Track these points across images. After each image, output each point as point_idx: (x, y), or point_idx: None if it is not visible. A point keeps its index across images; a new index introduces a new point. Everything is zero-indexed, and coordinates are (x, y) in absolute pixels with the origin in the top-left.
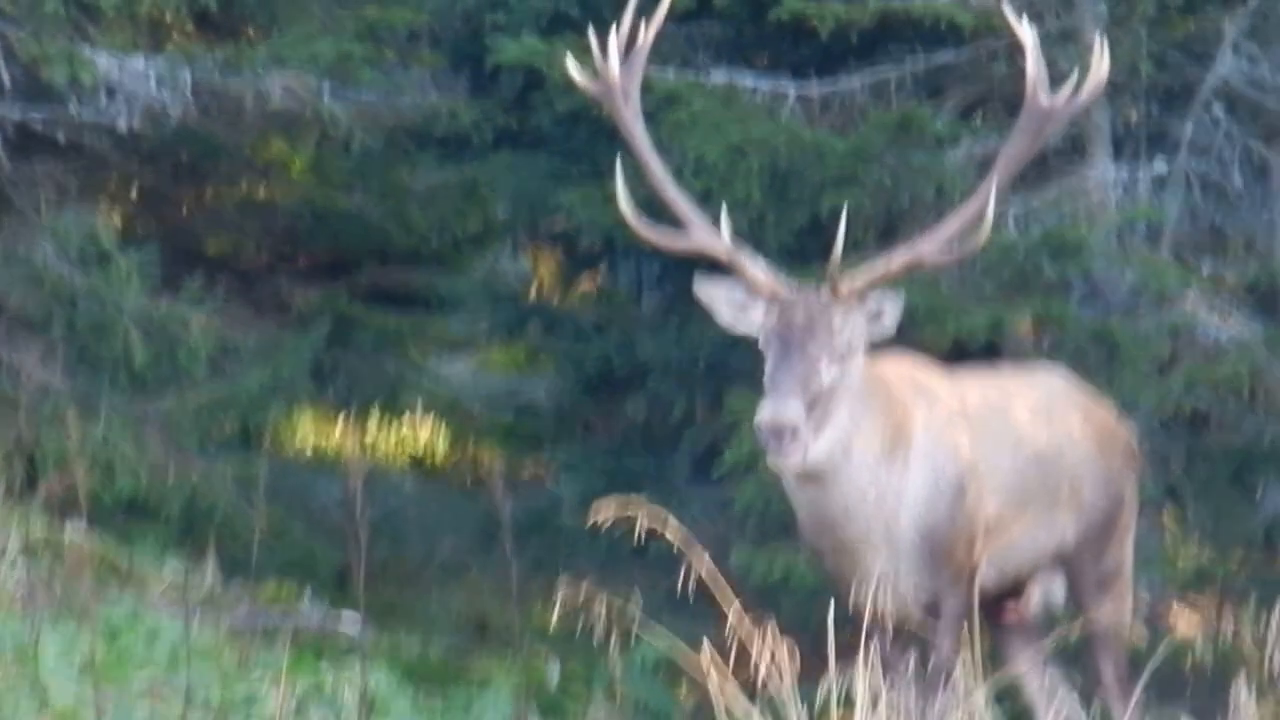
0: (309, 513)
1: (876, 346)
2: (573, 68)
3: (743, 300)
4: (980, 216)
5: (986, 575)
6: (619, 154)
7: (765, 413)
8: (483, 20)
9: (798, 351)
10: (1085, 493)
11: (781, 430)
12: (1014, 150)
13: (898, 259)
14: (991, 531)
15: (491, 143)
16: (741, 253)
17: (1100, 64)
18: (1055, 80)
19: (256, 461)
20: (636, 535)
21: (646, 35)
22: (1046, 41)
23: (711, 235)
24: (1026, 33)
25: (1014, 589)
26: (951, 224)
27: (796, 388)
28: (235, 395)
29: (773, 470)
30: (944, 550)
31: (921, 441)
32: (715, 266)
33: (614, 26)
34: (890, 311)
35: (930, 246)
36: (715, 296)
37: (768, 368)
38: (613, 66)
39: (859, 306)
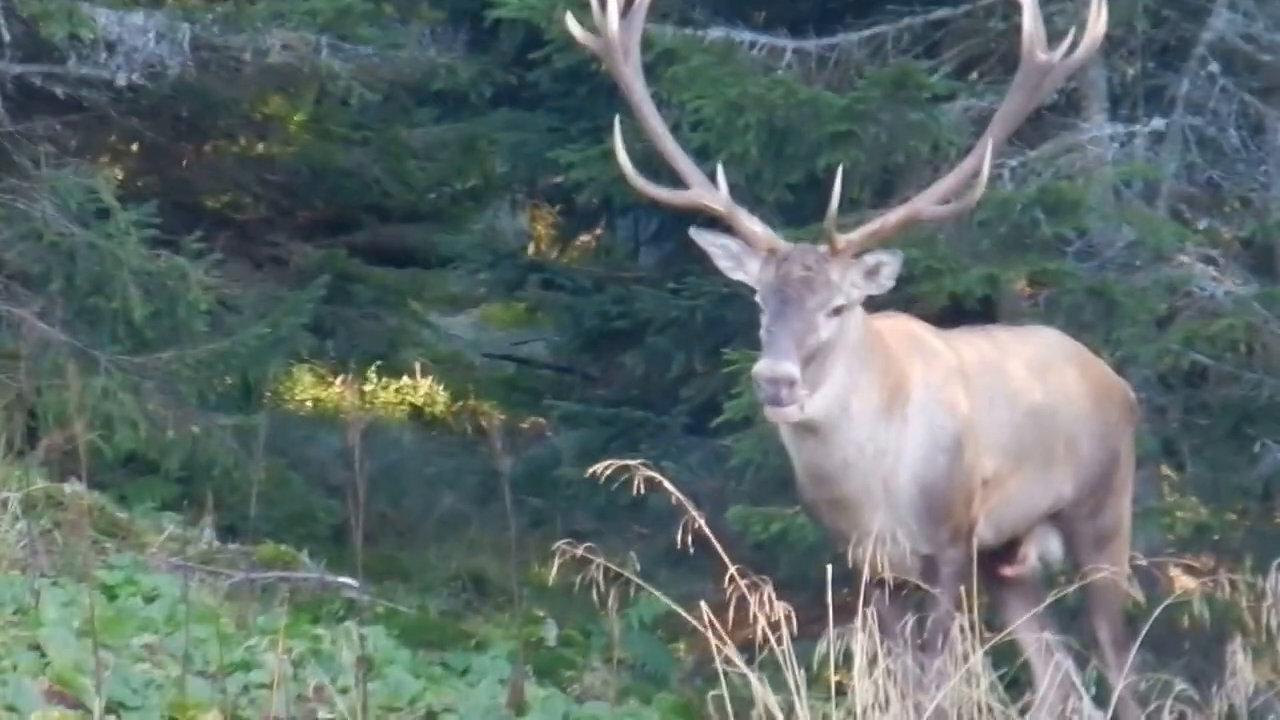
0: (308, 467)
1: (874, 304)
2: (572, 24)
3: (739, 252)
4: (976, 172)
5: (983, 533)
6: (617, 112)
7: (763, 366)
8: None
9: (795, 306)
10: (1082, 448)
11: (778, 383)
12: (1011, 107)
13: (895, 215)
14: (989, 487)
15: (490, 99)
16: (738, 208)
17: (1097, 21)
18: (1051, 37)
19: (256, 416)
20: (635, 489)
21: None
22: None
23: (709, 191)
24: None
25: (1010, 547)
26: (948, 180)
27: (792, 342)
28: (234, 350)
29: (770, 422)
30: (942, 507)
31: (920, 397)
32: (713, 222)
33: None
34: (888, 268)
35: (926, 202)
36: (712, 246)
37: (765, 321)
38: (611, 22)
39: (856, 263)
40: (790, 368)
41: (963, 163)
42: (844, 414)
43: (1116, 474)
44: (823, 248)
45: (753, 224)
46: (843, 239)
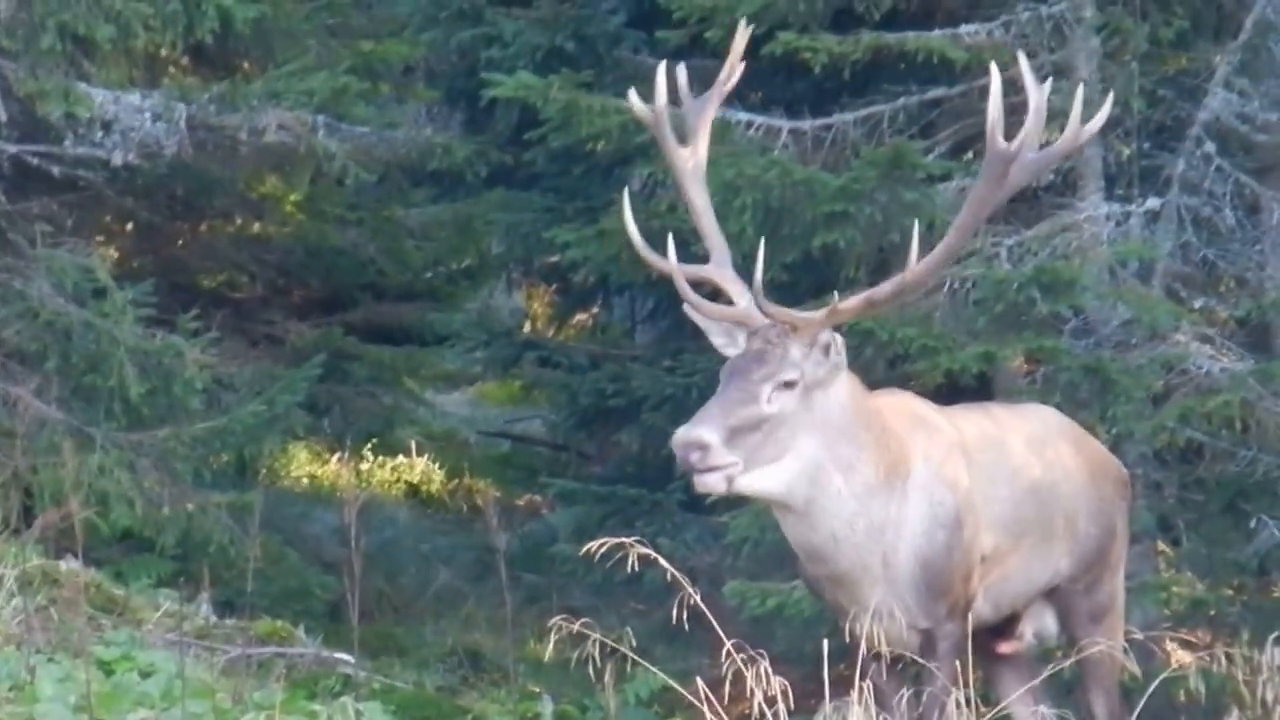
0: (304, 543)
1: (873, 382)
2: (634, 98)
3: (729, 328)
4: (946, 258)
5: (982, 608)
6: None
7: (678, 431)
8: (478, 55)
9: (739, 377)
10: (1080, 524)
11: (688, 447)
12: (976, 194)
13: (853, 301)
14: (988, 564)
15: (486, 179)
16: (739, 285)
17: (1078, 118)
18: (1052, 116)
19: (251, 493)
20: (630, 566)
21: (730, 74)
22: (1038, 76)
23: (722, 268)
24: (995, 76)
25: (1007, 623)
26: (918, 266)
27: (719, 411)
28: (230, 427)
29: (701, 493)
30: (941, 582)
31: (921, 473)
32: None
33: (664, 65)
34: (834, 346)
35: (882, 287)
36: (707, 322)
37: None
38: (661, 98)
39: (819, 341)
40: (703, 433)
41: (932, 251)
42: (823, 491)
43: (1112, 550)
44: (786, 326)
45: (740, 300)
46: (802, 317)
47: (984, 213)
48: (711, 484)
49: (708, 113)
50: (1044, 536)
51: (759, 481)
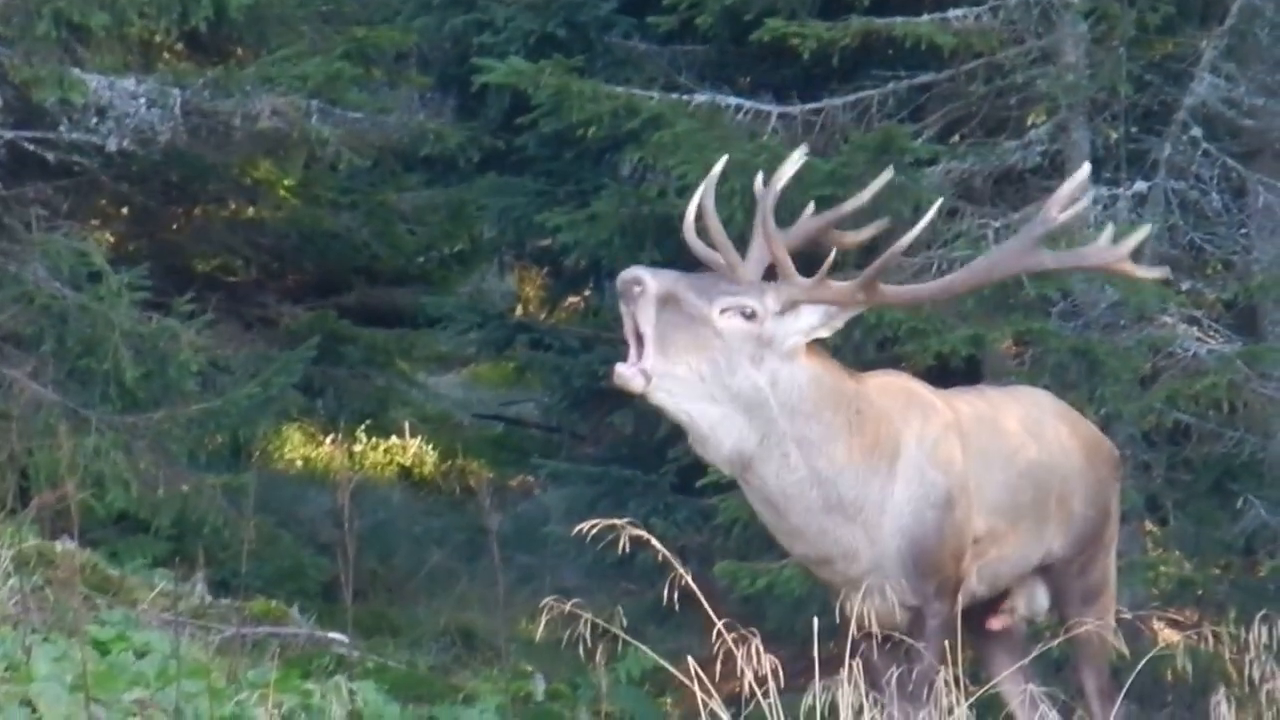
0: (298, 525)
1: (864, 364)
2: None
3: None
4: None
5: (977, 588)
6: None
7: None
8: (470, 41)
9: (710, 276)
10: (1075, 505)
11: (627, 282)
12: (1007, 254)
13: (847, 284)
14: (983, 544)
15: (478, 164)
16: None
17: (1107, 240)
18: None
19: (246, 474)
20: (621, 547)
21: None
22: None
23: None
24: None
25: (998, 598)
26: (870, 270)
27: (670, 275)
28: (225, 409)
29: (617, 386)
30: (930, 561)
31: (912, 453)
32: None
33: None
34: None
35: (840, 286)
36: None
37: None
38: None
39: (798, 311)
40: (647, 276)
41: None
42: (768, 454)
43: (1105, 530)
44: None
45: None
46: (794, 273)
47: (996, 275)
48: (628, 376)
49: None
50: (1040, 518)
51: (679, 401)
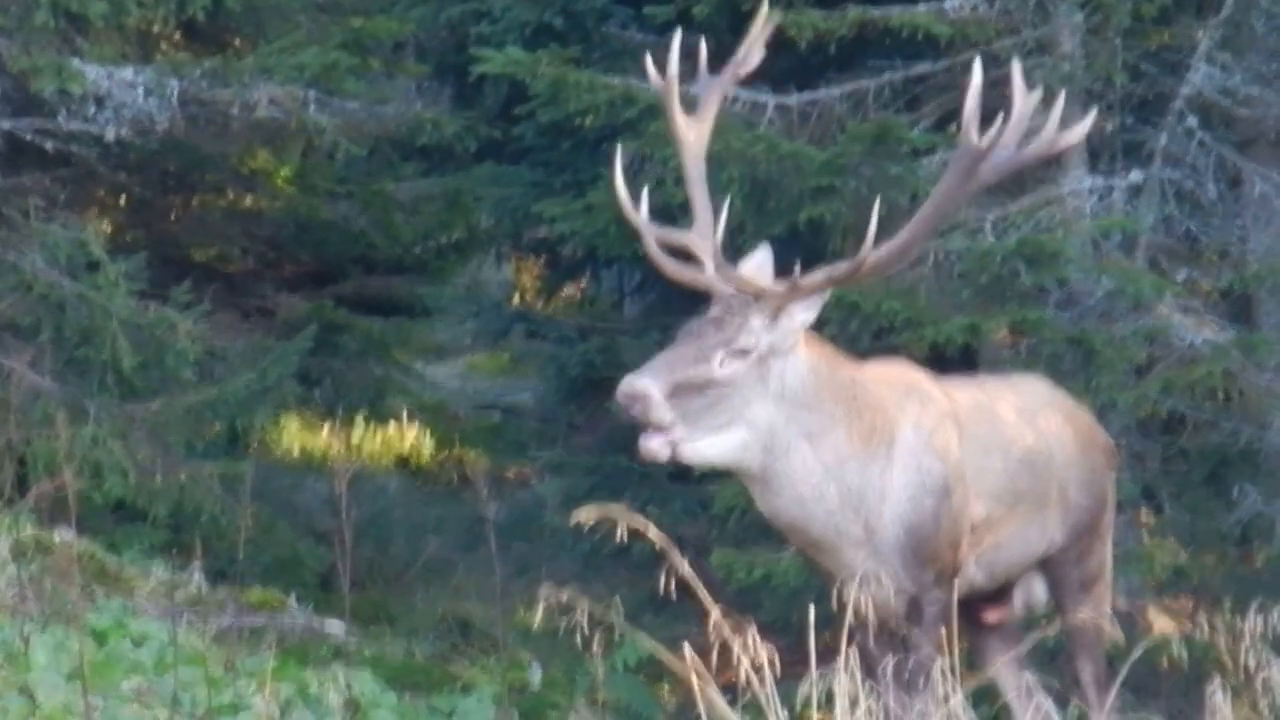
0: (295, 514)
1: (862, 353)
2: (650, 66)
3: None
4: (907, 245)
5: (975, 576)
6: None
7: (622, 382)
8: (467, 31)
9: (693, 339)
10: (1071, 494)
11: (631, 399)
12: (945, 188)
13: (815, 276)
14: (980, 532)
15: (475, 154)
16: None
17: (1054, 127)
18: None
19: (243, 463)
20: (618, 536)
21: (749, 54)
22: (1021, 52)
23: (702, 239)
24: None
25: (998, 591)
26: (880, 251)
27: (664, 365)
28: (222, 399)
29: (646, 459)
30: (928, 549)
31: (909, 440)
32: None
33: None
34: (790, 318)
35: (842, 269)
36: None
37: None
38: (671, 67)
39: (783, 314)
40: (645, 384)
41: (895, 237)
42: (783, 459)
43: (1102, 519)
44: (749, 296)
45: (708, 266)
46: (764, 287)
47: (949, 206)
48: (655, 449)
49: (719, 89)
50: (1037, 506)
51: (706, 450)
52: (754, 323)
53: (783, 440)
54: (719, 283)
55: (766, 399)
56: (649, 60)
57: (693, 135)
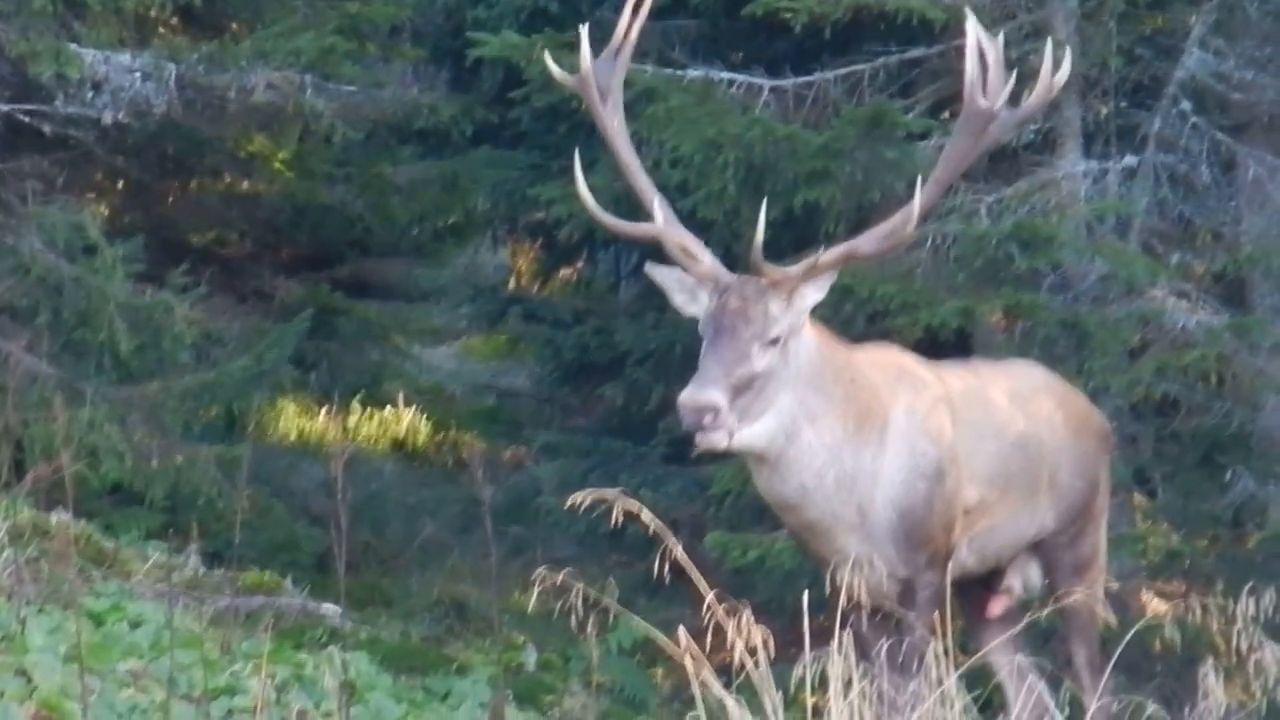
0: (291, 496)
1: (855, 336)
2: (550, 64)
3: (693, 286)
4: (924, 211)
5: (966, 559)
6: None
7: (686, 395)
8: (463, 15)
9: (728, 336)
10: (1063, 477)
11: (700, 411)
12: (954, 151)
13: (833, 252)
14: (973, 516)
15: (471, 137)
16: (691, 242)
17: (1048, 74)
18: (1025, 78)
19: (240, 446)
20: (613, 519)
21: (629, 33)
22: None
23: (669, 226)
24: (972, 33)
25: (992, 575)
26: (892, 220)
27: (721, 371)
28: (219, 382)
29: (703, 451)
30: (921, 532)
31: (902, 424)
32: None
33: (587, 24)
34: (801, 299)
35: (865, 241)
36: (667, 281)
37: (702, 351)
38: (585, 61)
39: (796, 295)
40: (714, 395)
41: (906, 206)
42: (791, 442)
43: (1095, 502)
44: (762, 280)
45: (703, 256)
46: (779, 272)
47: (961, 168)
48: (716, 440)
49: (618, 73)
50: (1029, 489)
51: (748, 438)
52: (774, 309)
53: (797, 424)
54: (723, 272)
55: (788, 382)
56: (549, 60)
57: (614, 123)
